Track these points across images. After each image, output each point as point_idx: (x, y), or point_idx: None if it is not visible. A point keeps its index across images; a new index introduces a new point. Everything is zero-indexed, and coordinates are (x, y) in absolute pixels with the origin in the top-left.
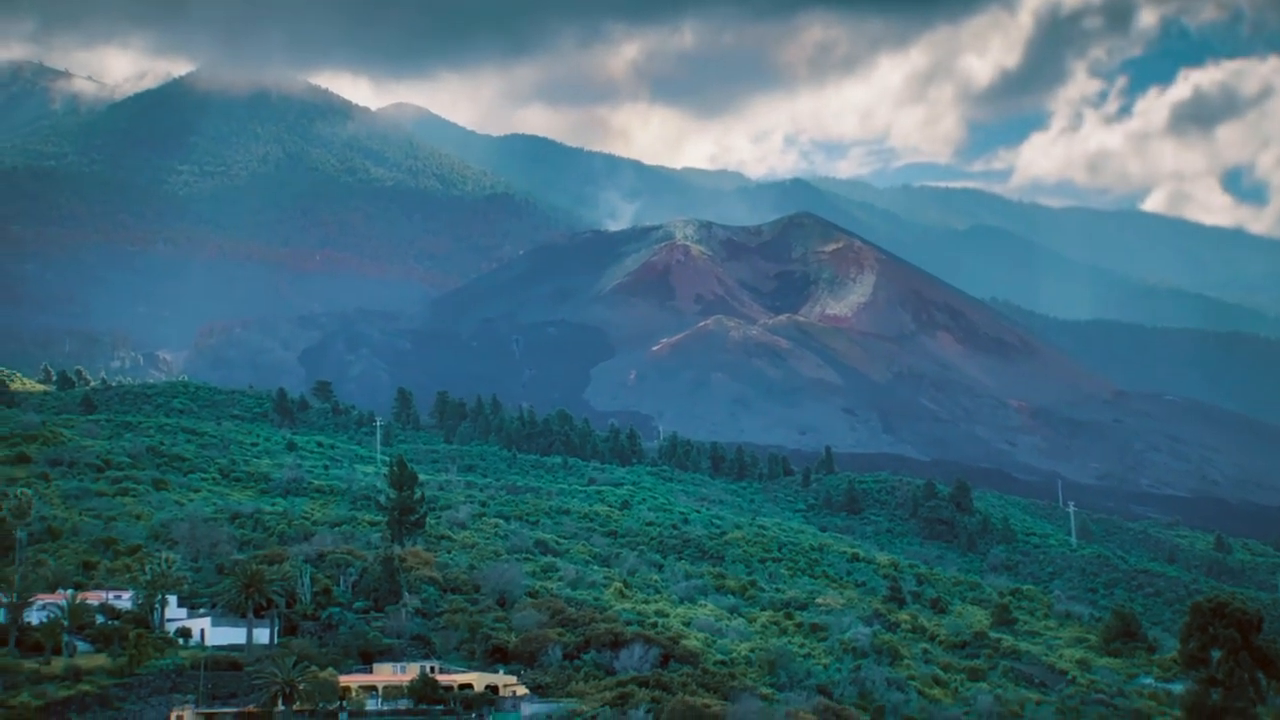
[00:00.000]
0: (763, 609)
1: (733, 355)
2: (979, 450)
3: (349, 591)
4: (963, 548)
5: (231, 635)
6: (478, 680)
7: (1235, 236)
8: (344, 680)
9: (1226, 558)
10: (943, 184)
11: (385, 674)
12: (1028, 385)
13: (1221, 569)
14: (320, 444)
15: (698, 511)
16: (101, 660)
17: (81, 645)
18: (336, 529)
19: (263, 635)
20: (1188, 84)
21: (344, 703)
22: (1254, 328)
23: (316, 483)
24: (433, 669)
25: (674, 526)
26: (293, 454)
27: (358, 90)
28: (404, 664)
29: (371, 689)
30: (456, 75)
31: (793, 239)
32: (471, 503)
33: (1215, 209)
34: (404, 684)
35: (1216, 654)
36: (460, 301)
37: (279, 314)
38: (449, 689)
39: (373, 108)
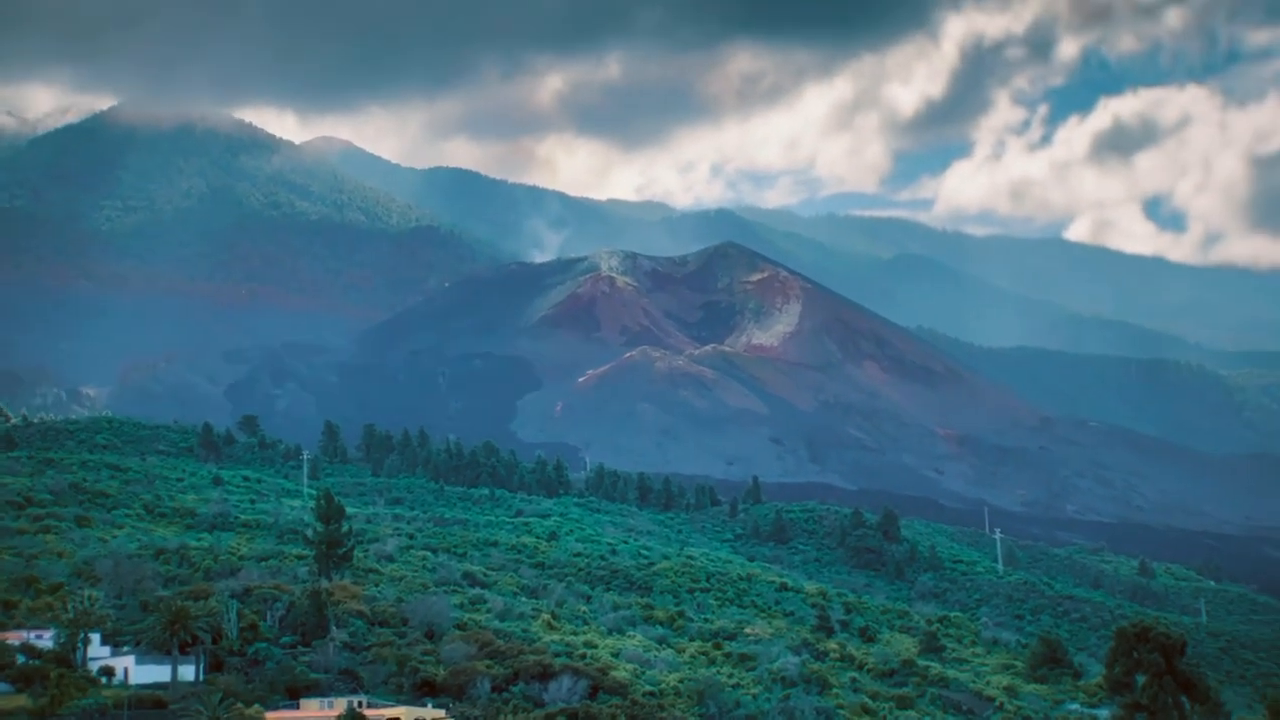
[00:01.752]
0: (691, 639)
1: (659, 386)
2: (906, 478)
3: (276, 626)
4: (890, 576)
5: (156, 673)
6: (406, 714)
7: (1156, 264)
8: (270, 717)
9: (1150, 582)
10: (868, 213)
11: (312, 709)
12: (954, 413)
13: (1145, 594)
14: (246, 478)
15: (625, 542)
16: (22, 701)
17: (2, 686)
18: (263, 564)
19: (188, 672)
20: (1108, 113)
21: None
22: (1176, 354)
23: (243, 517)
24: (360, 704)
25: (602, 558)
26: (219, 489)
27: (283, 124)
28: (331, 699)
29: None
30: (382, 108)
31: (718, 269)
32: (399, 535)
33: (1137, 237)
34: (331, 719)
35: (1141, 679)
36: (386, 335)
37: (204, 349)
38: None
39: (297, 141)
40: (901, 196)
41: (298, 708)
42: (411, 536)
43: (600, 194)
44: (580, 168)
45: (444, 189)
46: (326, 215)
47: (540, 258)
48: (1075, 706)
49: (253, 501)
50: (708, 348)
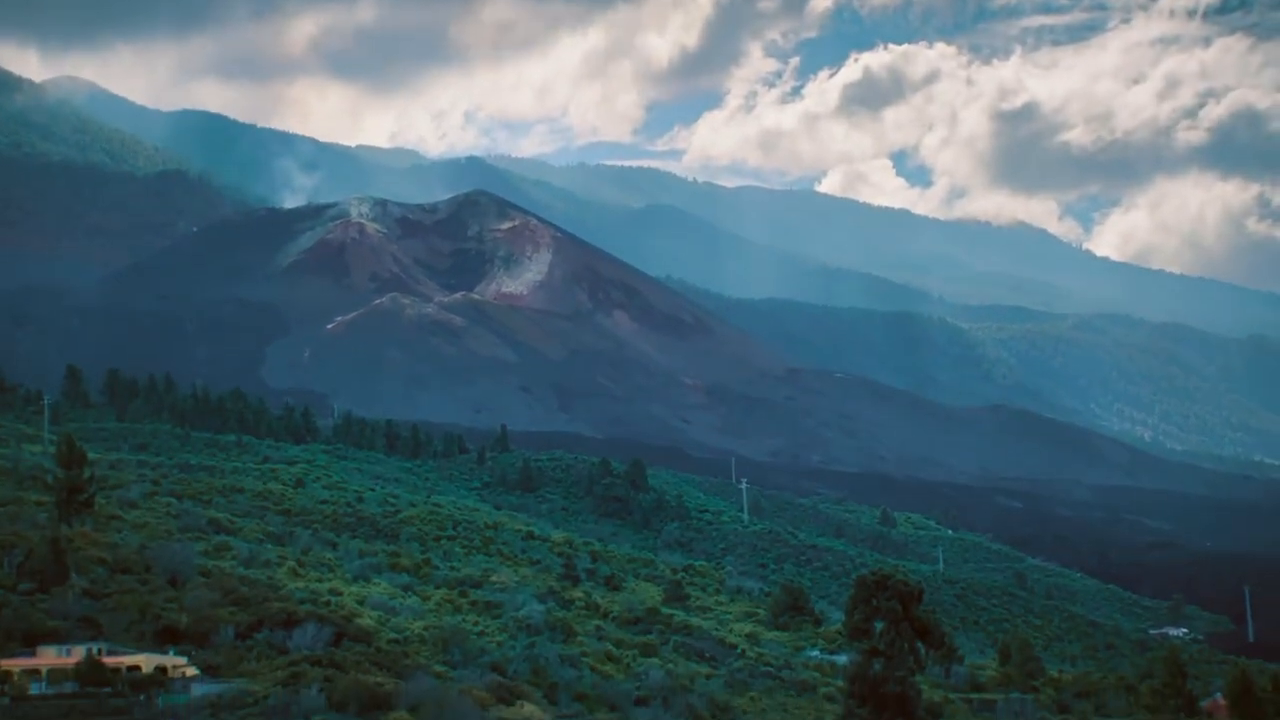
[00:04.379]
0: (437, 587)
1: (408, 333)
2: (654, 428)
3: (13, 574)
4: (637, 525)
5: None
6: (146, 662)
7: (903, 218)
8: (5, 664)
9: (891, 532)
10: (621, 163)
11: (49, 657)
12: (703, 363)
13: (886, 543)
14: None
15: (372, 490)
16: None
17: None
18: (1, 509)
19: None
20: (858, 67)
21: (5, 687)
22: (921, 307)
23: None
24: (99, 651)
25: (349, 505)
26: None
27: (25, 62)
28: (69, 646)
29: (35, 673)
30: (129, 47)
31: (468, 217)
32: (143, 481)
33: (887, 190)
34: (69, 667)
35: (879, 625)
36: (132, 279)
37: None
38: (116, 671)
39: (39, 80)
40: (656, 147)
41: (34, 655)
42: (156, 483)
43: (351, 140)
44: (332, 112)
45: (192, 132)
46: (70, 157)
47: (290, 203)
48: (815, 653)
49: None
50: (457, 295)
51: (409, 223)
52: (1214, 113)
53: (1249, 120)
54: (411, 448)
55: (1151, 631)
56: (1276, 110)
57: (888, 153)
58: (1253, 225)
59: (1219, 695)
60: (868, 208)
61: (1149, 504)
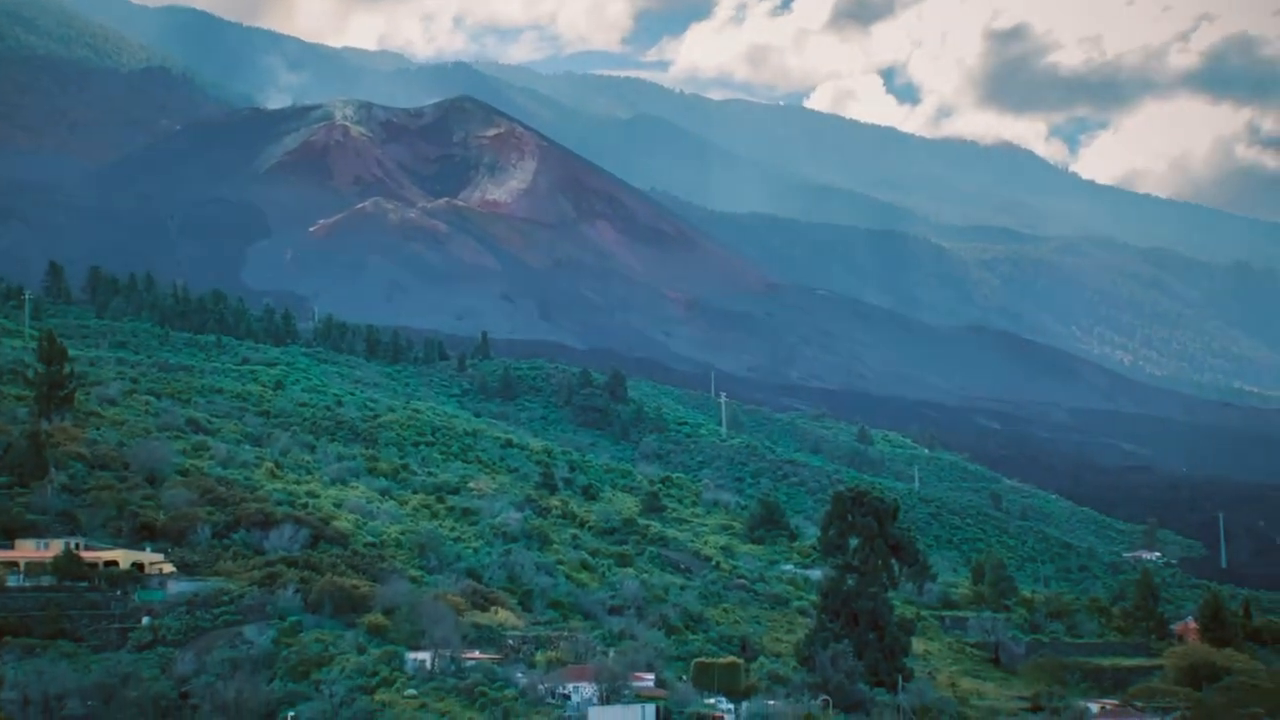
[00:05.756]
0: (414, 492)
1: (391, 238)
2: (635, 340)
3: None
4: (616, 436)
5: None
6: (124, 557)
7: (890, 136)
8: None
9: (868, 449)
10: (609, 72)
11: (28, 550)
12: (685, 276)
13: (863, 460)
14: None
15: (352, 394)
16: None
17: None
18: None
19: None
20: None
21: None
22: (905, 226)
23: None
24: (78, 545)
25: (327, 408)
26: None
27: None
28: (47, 540)
29: (13, 565)
30: None
31: (453, 123)
32: (123, 379)
33: (875, 108)
34: (47, 560)
35: (854, 541)
36: (115, 176)
37: None
38: (94, 566)
39: None
40: (645, 57)
41: (12, 548)
42: (135, 381)
43: (338, 41)
44: (319, 12)
45: (177, 29)
46: (54, 51)
47: (274, 104)
48: (789, 567)
49: None
50: (441, 201)
51: (394, 127)
52: (1207, 36)
53: (1242, 44)
54: (392, 353)
55: (1125, 555)
56: (1270, 35)
57: (877, 69)
58: (1241, 151)
59: (1190, 619)
60: (855, 125)
61: (1126, 428)
